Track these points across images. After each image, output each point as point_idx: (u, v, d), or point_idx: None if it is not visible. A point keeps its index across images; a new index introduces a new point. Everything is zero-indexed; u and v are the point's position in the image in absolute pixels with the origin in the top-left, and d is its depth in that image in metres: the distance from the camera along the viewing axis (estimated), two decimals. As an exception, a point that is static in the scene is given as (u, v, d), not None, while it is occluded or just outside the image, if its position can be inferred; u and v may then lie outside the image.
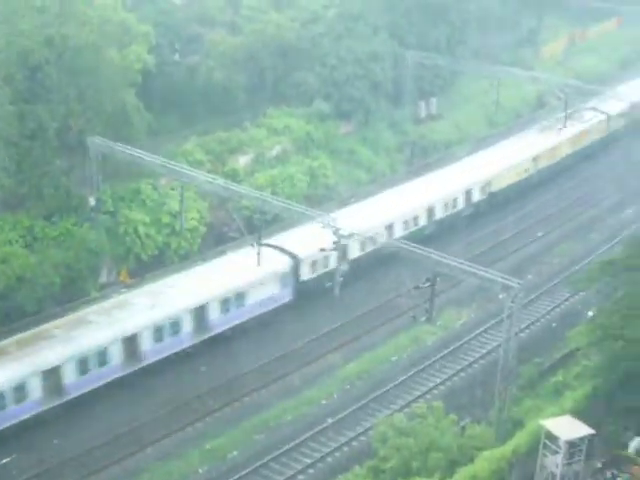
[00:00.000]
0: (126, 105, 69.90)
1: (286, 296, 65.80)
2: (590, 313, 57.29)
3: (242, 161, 79.64)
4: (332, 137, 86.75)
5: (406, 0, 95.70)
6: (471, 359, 61.02)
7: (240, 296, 62.62)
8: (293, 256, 66.25)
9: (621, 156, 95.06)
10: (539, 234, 79.27)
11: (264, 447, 52.41)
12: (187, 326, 59.88)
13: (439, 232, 75.44)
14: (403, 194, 77.36)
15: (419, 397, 56.75)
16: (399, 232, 72.17)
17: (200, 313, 60.63)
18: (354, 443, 52.96)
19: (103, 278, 68.03)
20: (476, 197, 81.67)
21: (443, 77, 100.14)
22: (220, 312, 61.54)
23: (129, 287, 65.49)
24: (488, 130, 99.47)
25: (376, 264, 68.86)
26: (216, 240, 73.84)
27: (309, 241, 65.30)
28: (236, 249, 67.93)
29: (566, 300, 67.98)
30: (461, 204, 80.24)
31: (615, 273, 52.70)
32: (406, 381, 58.51)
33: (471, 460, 45.96)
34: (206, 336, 61.05)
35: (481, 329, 63.98)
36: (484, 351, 61.65)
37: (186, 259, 70.64)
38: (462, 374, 59.71)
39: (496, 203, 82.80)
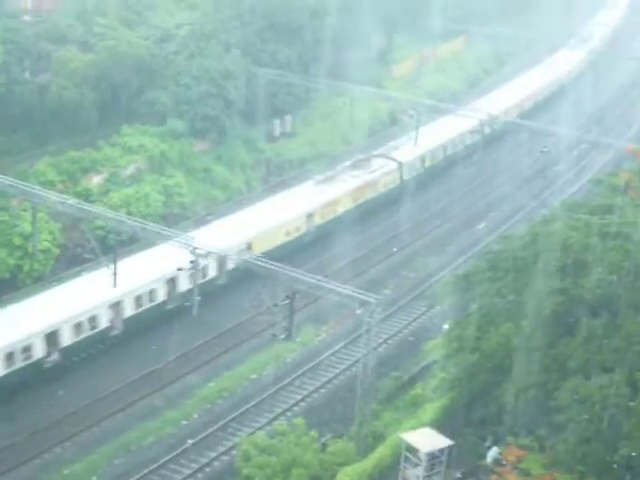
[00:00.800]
0: (-26, 125, 68.17)
1: None
2: (446, 326, 58.25)
3: (96, 180, 78.38)
4: (187, 156, 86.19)
5: (258, 19, 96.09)
6: (331, 375, 61.29)
7: None
8: None
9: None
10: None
11: (124, 471, 51.54)
12: None
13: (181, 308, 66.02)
14: None
15: (280, 414, 56.66)
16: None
17: None
18: (216, 463, 52.59)
19: (-47, 303, 65.96)
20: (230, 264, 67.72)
21: (297, 95, 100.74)
22: None
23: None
24: (342, 147, 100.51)
25: (233, 282, 68.78)
26: (70, 261, 72.51)
27: None
28: None
29: (422, 314, 69.15)
30: (213, 272, 69.28)
31: (469, 286, 53.76)
32: (267, 399, 58.36)
33: (333, 476, 46.28)
34: None
35: (340, 345, 64.37)
36: (343, 366, 62.02)
37: (39, 281, 69.15)
38: (322, 390, 59.92)
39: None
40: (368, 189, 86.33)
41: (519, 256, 50.15)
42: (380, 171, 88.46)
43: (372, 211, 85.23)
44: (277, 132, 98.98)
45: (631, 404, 40.38)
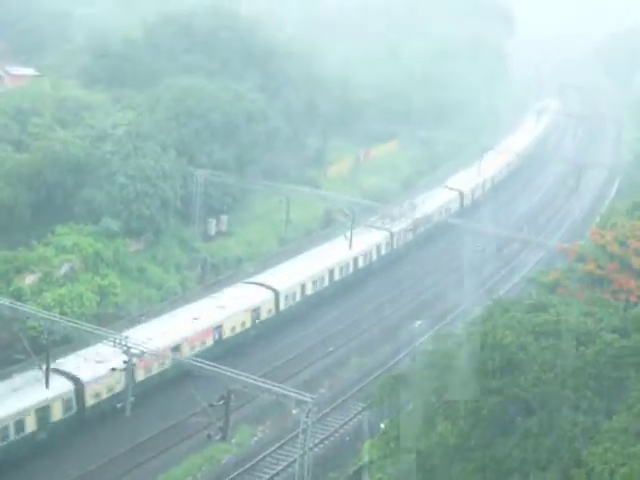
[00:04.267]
0: None
1: None
2: (382, 426, 57.93)
3: (29, 280, 77.44)
4: (121, 255, 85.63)
5: (194, 120, 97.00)
6: (267, 476, 60.42)
7: None
8: None
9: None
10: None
11: None
12: None
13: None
14: None
15: (215, 518, 55.74)
16: None
17: None
18: None
19: None
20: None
21: (233, 195, 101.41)
22: None
23: None
24: (279, 247, 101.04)
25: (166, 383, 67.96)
26: (1, 363, 71.07)
27: None
28: None
29: (359, 413, 68.74)
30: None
31: (405, 386, 53.65)
32: (201, 502, 57.44)
33: None
34: None
35: (276, 445, 63.64)
36: (280, 467, 61.20)
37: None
38: (258, 492, 59.16)
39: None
40: None
41: (455, 355, 50.27)
42: None
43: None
44: (213, 232, 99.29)
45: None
